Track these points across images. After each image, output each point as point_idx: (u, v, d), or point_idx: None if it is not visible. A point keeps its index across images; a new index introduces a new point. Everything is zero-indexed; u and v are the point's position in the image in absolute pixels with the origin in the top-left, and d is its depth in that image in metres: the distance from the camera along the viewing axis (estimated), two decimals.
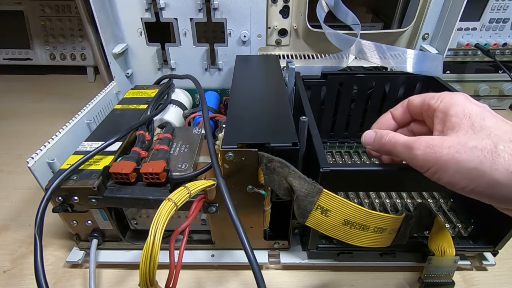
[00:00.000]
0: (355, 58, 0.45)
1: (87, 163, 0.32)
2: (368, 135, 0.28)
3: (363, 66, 0.49)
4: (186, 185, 0.28)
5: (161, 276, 0.26)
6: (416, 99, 0.27)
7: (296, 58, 0.55)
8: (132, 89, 0.51)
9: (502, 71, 0.58)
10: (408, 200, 0.39)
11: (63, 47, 0.77)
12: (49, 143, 0.34)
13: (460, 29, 0.57)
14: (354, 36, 0.44)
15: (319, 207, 0.25)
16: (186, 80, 0.50)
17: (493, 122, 0.21)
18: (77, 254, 0.35)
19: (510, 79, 0.57)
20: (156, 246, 0.23)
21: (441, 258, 0.31)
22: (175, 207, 0.26)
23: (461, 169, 0.20)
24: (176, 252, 0.25)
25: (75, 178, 0.30)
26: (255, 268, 0.24)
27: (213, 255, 0.35)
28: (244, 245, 0.24)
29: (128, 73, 0.55)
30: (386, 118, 0.30)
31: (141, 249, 0.24)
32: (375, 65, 0.46)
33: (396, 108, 0.30)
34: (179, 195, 0.27)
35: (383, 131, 0.26)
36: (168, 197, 0.26)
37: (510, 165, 0.18)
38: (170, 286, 0.25)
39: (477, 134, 0.20)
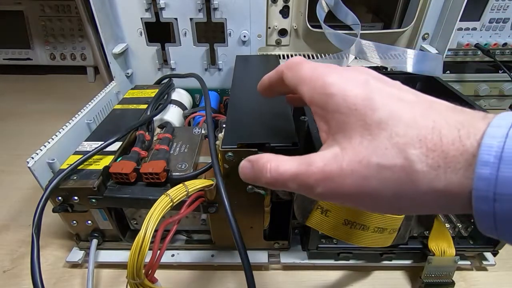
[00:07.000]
0: (355, 58, 0.45)
1: (87, 163, 0.32)
2: (244, 168, 0.20)
3: (363, 66, 0.48)
4: (185, 183, 0.28)
5: (160, 276, 0.26)
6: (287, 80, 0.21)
7: None
8: (132, 89, 0.51)
9: (502, 71, 0.58)
10: None
11: (63, 47, 0.77)
12: (49, 143, 0.34)
13: (460, 29, 0.57)
14: (354, 36, 0.44)
15: (319, 207, 0.25)
16: (187, 80, 0.50)
17: (387, 110, 0.15)
18: (77, 254, 0.35)
19: (510, 79, 0.57)
20: (147, 239, 0.24)
21: (441, 258, 0.31)
22: (171, 203, 0.26)
23: (378, 200, 0.16)
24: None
25: (75, 178, 0.30)
26: (247, 270, 0.24)
27: (213, 255, 0.35)
28: (238, 245, 0.25)
29: (128, 73, 0.55)
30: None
31: None
32: (375, 65, 0.46)
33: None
34: (177, 192, 0.27)
35: (259, 157, 0.19)
36: (167, 192, 0.27)
37: (432, 180, 0.14)
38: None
39: (376, 141, 0.15)
